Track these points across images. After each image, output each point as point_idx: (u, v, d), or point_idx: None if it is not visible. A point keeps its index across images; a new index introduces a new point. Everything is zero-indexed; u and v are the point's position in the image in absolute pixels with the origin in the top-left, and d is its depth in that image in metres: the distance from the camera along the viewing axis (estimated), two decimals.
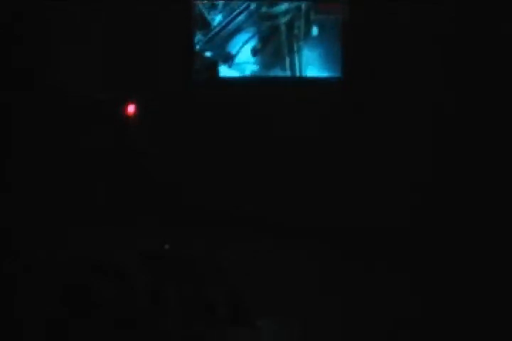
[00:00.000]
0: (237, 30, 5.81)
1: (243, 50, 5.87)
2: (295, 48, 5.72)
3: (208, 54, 5.93)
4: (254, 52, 5.83)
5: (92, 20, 6.17)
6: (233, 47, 5.84)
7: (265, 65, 5.88)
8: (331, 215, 5.68)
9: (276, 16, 5.67)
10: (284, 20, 5.68)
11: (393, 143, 5.66)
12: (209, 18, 5.85)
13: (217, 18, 5.84)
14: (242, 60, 5.90)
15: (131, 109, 6.22)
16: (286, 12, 5.66)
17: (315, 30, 5.65)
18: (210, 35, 5.89)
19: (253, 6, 5.75)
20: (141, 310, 3.89)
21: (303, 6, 5.62)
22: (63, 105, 6.09)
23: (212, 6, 5.83)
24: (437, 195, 5.48)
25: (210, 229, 5.42)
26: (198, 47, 5.95)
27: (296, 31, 5.66)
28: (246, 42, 5.85)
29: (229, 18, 5.82)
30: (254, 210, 5.80)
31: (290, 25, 5.67)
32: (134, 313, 3.85)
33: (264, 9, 5.69)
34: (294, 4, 5.61)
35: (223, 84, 6.14)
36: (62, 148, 6.06)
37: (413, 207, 5.51)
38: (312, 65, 5.77)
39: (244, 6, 5.77)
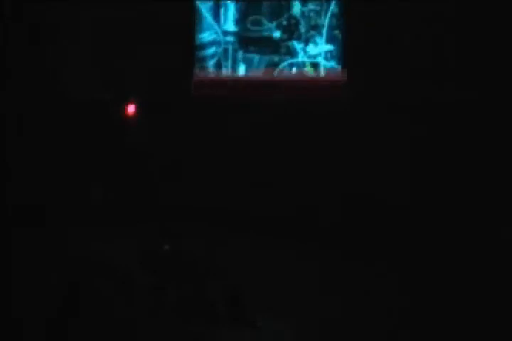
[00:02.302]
0: None
1: None
2: None
3: None
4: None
5: (92, 20, 6.18)
6: None
7: None
8: (330, 215, 5.68)
9: (204, 59, 6.24)
10: (212, 61, 6.21)
11: (393, 142, 5.66)
12: None
13: None
14: None
15: (131, 109, 6.23)
16: (213, 55, 6.21)
17: (242, 67, 6.17)
18: None
19: None
20: (141, 310, 3.90)
21: (230, 47, 6.15)
22: (63, 105, 6.09)
23: None
24: (437, 194, 5.48)
25: (210, 229, 5.42)
26: None
27: (223, 70, 6.22)
28: None
29: None
30: (254, 210, 5.80)
31: (218, 65, 6.22)
32: (134, 313, 3.85)
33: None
34: (222, 47, 6.16)
35: (223, 83, 6.15)
36: (62, 148, 6.06)
37: (413, 207, 5.51)
38: None
39: None
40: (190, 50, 6.12)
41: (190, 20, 6.09)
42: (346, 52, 5.80)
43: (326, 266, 4.88)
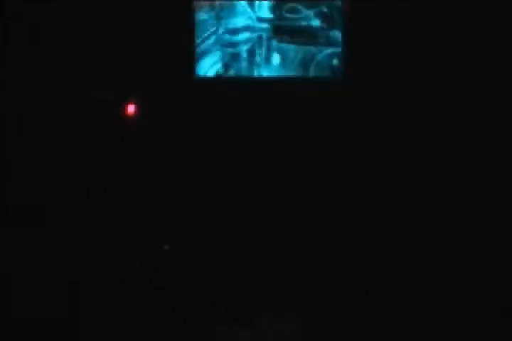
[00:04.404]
0: (206, 52, 6.00)
1: (209, 72, 6.05)
2: (255, 73, 5.92)
3: None
4: (218, 76, 6.03)
5: (92, 20, 6.17)
6: (201, 68, 6.04)
7: None
8: (330, 215, 5.67)
9: (237, 44, 5.89)
10: (245, 47, 5.88)
11: (393, 142, 5.66)
12: None
13: None
14: None
15: (131, 109, 6.22)
16: (246, 41, 5.88)
17: (276, 58, 5.83)
18: None
19: (221, 30, 5.93)
20: (141, 310, 3.89)
21: (264, 35, 5.82)
22: (63, 105, 6.09)
23: None
24: (437, 194, 5.48)
25: (210, 229, 5.42)
26: None
27: (257, 58, 5.87)
28: (212, 65, 6.03)
29: (200, 40, 6.00)
30: (254, 210, 5.79)
31: (251, 53, 5.88)
32: (134, 313, 3.85)
33: (226, 37, 5.89)
34: (256, 33, 5.83)
35: (223, 83, 6.14)
36: (62, 148, 6.05)
37: (413, 207, 5.51)
38: None
39: (212, 30, 5.97)
40: (190, 49, 6.11)
41: (190, 20, 6.08)
42: (346, 52, 5.79)
43: (326, 266, 4.88)
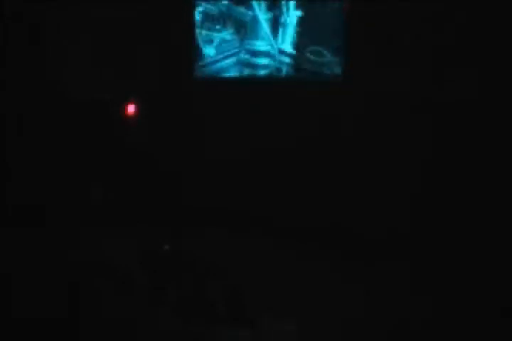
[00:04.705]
0: (225, 69, 6.09)
1: None
2: None
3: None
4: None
5: (92, 20, 6.18)
6: None
7: None
8: (330, 215, 5.68)
9: (255, 66, 5.92)
10: (263, 72, 5.90)
11: (393, 142, 5.66)
12: (204, 50, 6.14)
13: (211, 52, 6.10)
14: None
15: (131, 109, 6.23)
16: (266, 66, 5.87)
17: None
18: (202, 64, 6.17)
19: (242, 50, 5.97)
20: (141, 310, 3.89)
21: (284, 69, 5.80)
22: (63, 105, 6.09)
23: (209, 41, 6.10)
24: (437, 194, 5.48)
25: (209, 229, 5.42)
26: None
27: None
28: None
29: (220, 57, 6.09)
30: (254, 210, 5.80)
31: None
32: (134, 313, 3.85)
33: (246, 57, 5.92)
34: (276, 62, 5.79)
35: (223, 83, 6.15)
36: (62, 148, 6.06)
37: (413, 207, 5.51)
38: None
39: (234, 51, 6.02)
40: (190, 49, 6.12)
41: (190, 19, 6.09)
42: (346, 52, 5.79)
43: (326, 266, 4.88)
